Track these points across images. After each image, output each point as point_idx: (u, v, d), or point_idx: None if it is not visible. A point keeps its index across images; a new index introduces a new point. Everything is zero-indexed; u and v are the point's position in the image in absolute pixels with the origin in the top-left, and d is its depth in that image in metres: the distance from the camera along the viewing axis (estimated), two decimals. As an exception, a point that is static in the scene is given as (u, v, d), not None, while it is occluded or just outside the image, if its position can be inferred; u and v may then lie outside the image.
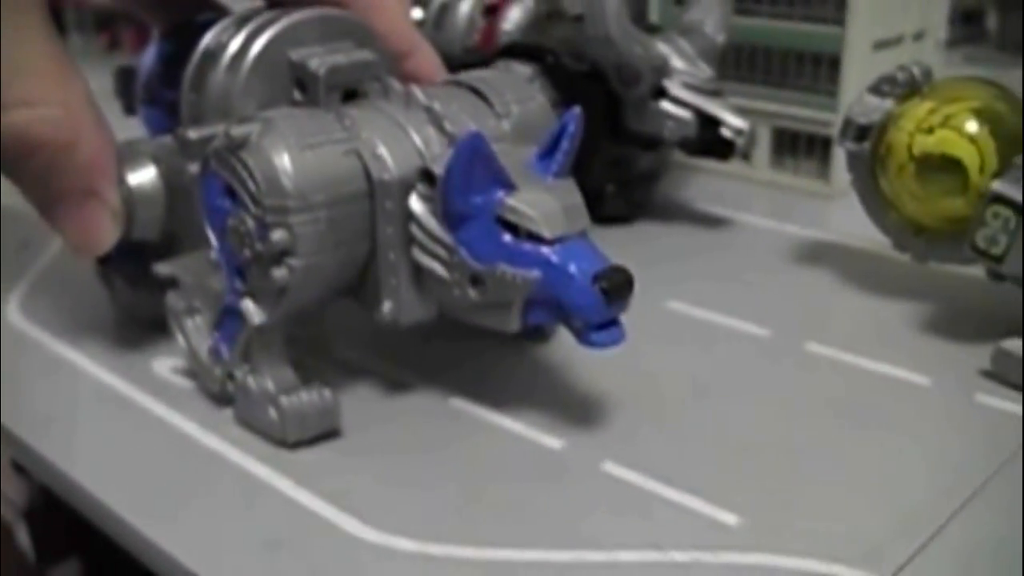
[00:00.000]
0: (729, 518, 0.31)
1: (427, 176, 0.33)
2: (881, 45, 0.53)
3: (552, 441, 0.35)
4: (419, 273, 0.34)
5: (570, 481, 0.33)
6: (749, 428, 0.35)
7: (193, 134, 0.36)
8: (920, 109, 0.40)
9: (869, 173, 0.42)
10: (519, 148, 0.34)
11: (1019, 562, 0.28)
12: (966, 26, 0.85)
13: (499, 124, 0.36)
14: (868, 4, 0.52)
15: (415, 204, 0.33)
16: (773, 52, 0.54)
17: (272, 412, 0.34)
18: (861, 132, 0.42)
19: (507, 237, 0.32)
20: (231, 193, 0.33)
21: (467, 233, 0.33)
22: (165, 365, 0.40)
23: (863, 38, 0.52)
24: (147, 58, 0.43)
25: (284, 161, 0.32)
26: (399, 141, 0.34)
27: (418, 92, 0.35)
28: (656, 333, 0.40)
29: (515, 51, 0.51)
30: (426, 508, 0.32)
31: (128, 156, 0.37)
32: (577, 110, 0.34)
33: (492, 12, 0.54)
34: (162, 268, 0.38)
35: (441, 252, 0.33)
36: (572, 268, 0.32)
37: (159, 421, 0.37)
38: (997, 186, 0.36)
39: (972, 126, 0.38)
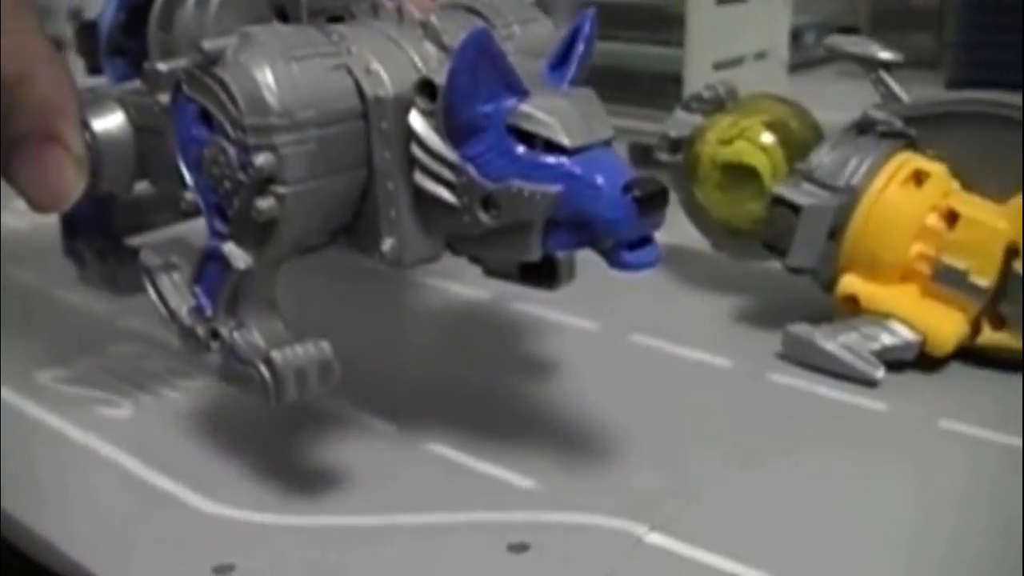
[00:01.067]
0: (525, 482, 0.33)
1: (427, 88, 0.29)
2: (721, 65, 0.57)
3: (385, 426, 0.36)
4: (423, 202, 0.30)
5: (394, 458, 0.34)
6: (560, 407, 0.37)
7: (163, 67, 0.32)
8: (722, 123, 0.44)
9: (685, 182, 0.45)
10: (528, 59, 0.31)
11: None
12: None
13: (502, 45, 0.32)
14: (705, 28, 0.56)
15: (415, 121, 0.30)
16: (627, 72, 0.57)
17: (263, 369, 0.30)
18: (675, 145, 0.45)
19: (521, 149, 0.29)
20: (206, 119, 0.30)
21: (475, 148, 0.29)
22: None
23: (702, 59, 0.56)
24: (108, 9, 0.40)
25: (266, 75, 0.28)
26: (394, 56, 0.30)
27: (412, 7, 0.32)
28: (493, 324, 0.43)
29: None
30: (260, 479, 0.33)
31: (91, 101, 0.34)
32: (592, 10, 0.30)
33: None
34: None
35: (447, 173, 0.29)
36: (599, 179, 0.28)
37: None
38: (777, 189, 0.40)
39: (765, 137, 0.42)
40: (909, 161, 0.40)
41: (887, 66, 0.42)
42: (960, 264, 0.38)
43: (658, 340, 0.42)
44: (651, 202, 0.28)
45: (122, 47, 0.38)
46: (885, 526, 0.31)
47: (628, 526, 0.30)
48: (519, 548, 0.30)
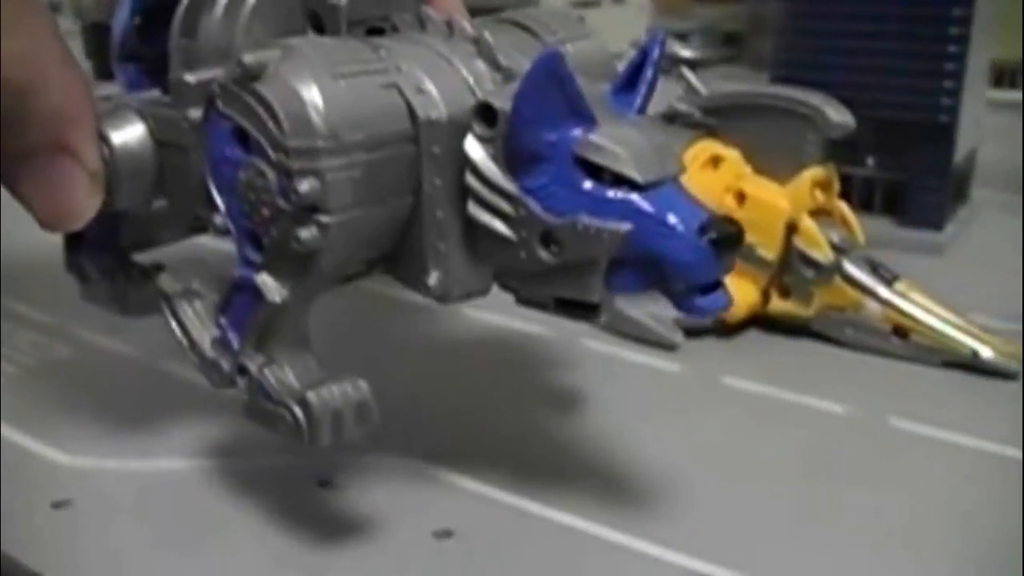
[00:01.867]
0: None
1: (487, 112, 0.27)
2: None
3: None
4: (472, 234, 0.28)
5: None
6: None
7: (191, 77, 0.29)
8: None
9: None
10: (591, 82, 0.28)
11: None
12: (725, 47, 0.93)
13: None
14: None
15: (472, 148, 0.27)
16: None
17: (297, 411, 0.28)
18: None
19: (588, 183, 0.26)
20: (243, 138, 0.27)
21: (536, 180, 0.27)
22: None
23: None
24: (122, 11, 0.37)
25: (313, 92, 0.26)
26: (446, 75, 0.28)
27: (464, 22, 0.30)
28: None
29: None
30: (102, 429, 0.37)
31: (109, 112, 0.31)
32: (662, 33, 0.28)
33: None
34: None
35: (504, 205, 0.27)
36: (672, 218, 0.26)
37: None
38: None
39: None
40: (708, 147, 0.43)
41: (690, 64, 0.48)
42: (748, 239, 0.38)
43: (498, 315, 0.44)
44: (729, 245, 0.26)
45: (136, 52, 0.36)
46: (646, 463, 0.34)
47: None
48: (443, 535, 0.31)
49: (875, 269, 0.42)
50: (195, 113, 0.29)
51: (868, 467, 0.35)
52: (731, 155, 0.43)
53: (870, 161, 0.54)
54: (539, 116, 0.26)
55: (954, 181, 0.55)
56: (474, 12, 0.36)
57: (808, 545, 0.31)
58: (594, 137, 0.26)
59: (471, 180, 0.27)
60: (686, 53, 0.43)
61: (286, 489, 0.33)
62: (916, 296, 0.42)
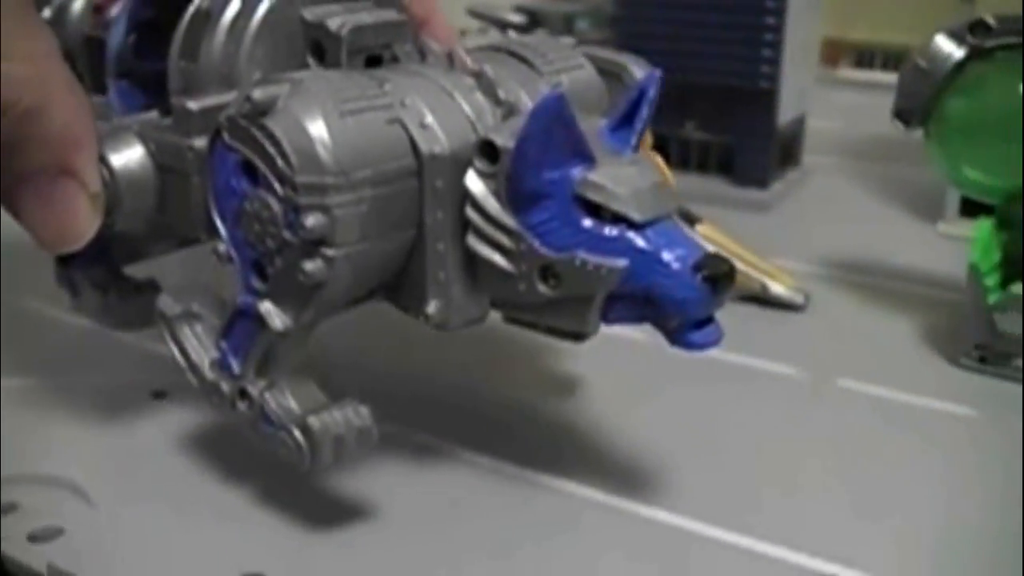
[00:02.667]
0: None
1: (489, 149, 0.28)
2: None
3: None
4: (472, 265, 0.29)
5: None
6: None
7: (194, 105, 0.30)
8: None
9: None
10: (586, 118, 0.29)
11: None
12: (610, 28, 0.91)
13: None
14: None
15: (473, 183, 0.28)
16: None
17: (298, 435, 0.28)
18: None
19: (587, 220, 0.27)
20: (249, 171, 0.28)
21: (536, 216, 0.28)
22: None
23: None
24: (118, 27, 0.37)
25: (321, 129, 0.26)
26: (448, 109, 0.29)
27: (463, 54, 0.30)
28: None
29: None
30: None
31: (109, 134, 0.31)
32: (658, 72, 0.29)
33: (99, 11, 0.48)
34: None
35: (504, 240, 0.28)
36: (668, 255, 0.27)
37: None
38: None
39: None
40: None
41: (518, 28, 0.49)
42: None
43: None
44: (722, 282, 0.27)
45: (130, 68, 0.36)
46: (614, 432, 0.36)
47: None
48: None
49: (680, 213, 0.44)
50: (200, 142, 0.29)
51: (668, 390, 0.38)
52: None
53: (690, 125, 0.59)
54: (541, 155, 0.27)
55: (779, 144, 0.59)
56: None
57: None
58: (594, 176, 0.27)
59: (472, 214, 0.28)
60: (513, 18, 0.45)
61: (123, 401, 0.37)
62: (715, 236, 0.44)
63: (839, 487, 0.33)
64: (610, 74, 0.34)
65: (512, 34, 0.48)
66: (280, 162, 0.27)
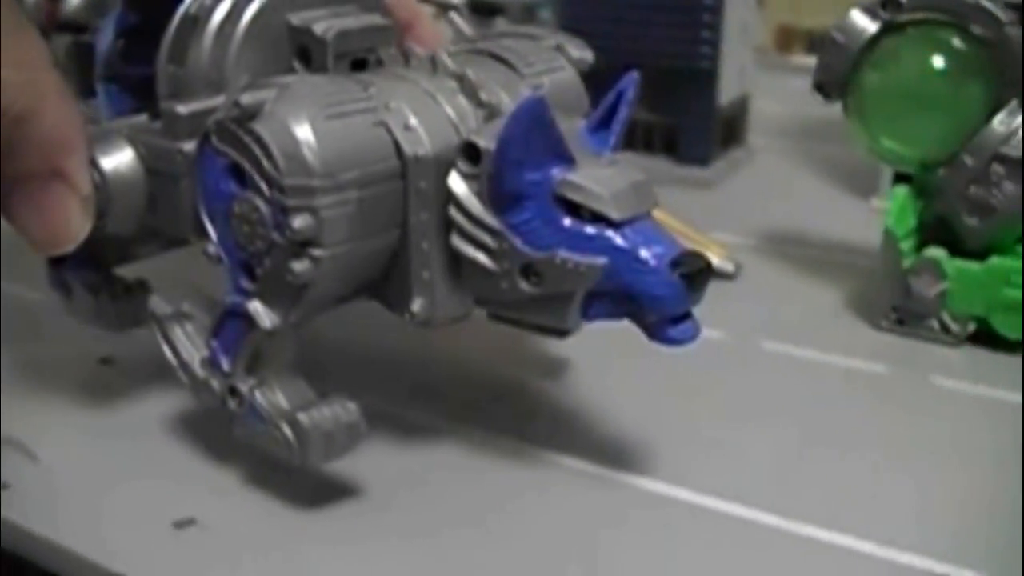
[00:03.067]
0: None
1: (471, 151, 0.28)
2: None
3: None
4: (455, 264, 0.30)
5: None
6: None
7: (183, 108, 0.30)
8: None
9: None
10: (566, 118, 0.30)
11: None
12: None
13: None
14: None
15: (456, 184, 0.29)
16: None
17: (288, 431, 0.29)
18: None
19: (567, 220, 0.28)
20: (238, 174, 0.28)
21: (518, 216, 0.28)
22: None
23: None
24: (106, 31, 0.38)
25: (307, 133, 0.27)
26: (431, 112, 0.29)
27: (446, 58, 0.31)
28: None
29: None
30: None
31: (99, 138, 0.32)
32: (636, 74, 0.30)
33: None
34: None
35: (487, 239, 0.29)
36: (646, 253, 0.28)
37: None
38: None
39: None
40: None
41: (456, 9, 0.49)
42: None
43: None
44: (698, 280, 0.28)
45: (118, 72, 0.37)
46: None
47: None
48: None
49: None
50: (189, 146, 0.30)
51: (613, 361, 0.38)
52: None
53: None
54: (522, 157, 0.28)
55: (722, 123, 0.60)
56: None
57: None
58: (573, 177, 0.28)
59: (455, 214, 0.29)
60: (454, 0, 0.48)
61: (71, 368, 0.39)
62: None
63: (765, 441, 0.35)
64: None
65: (455, 17, 0.49)
66: (267, 165, 0.27)
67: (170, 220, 0.32)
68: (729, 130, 0.62)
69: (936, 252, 0.41)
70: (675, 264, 0.27)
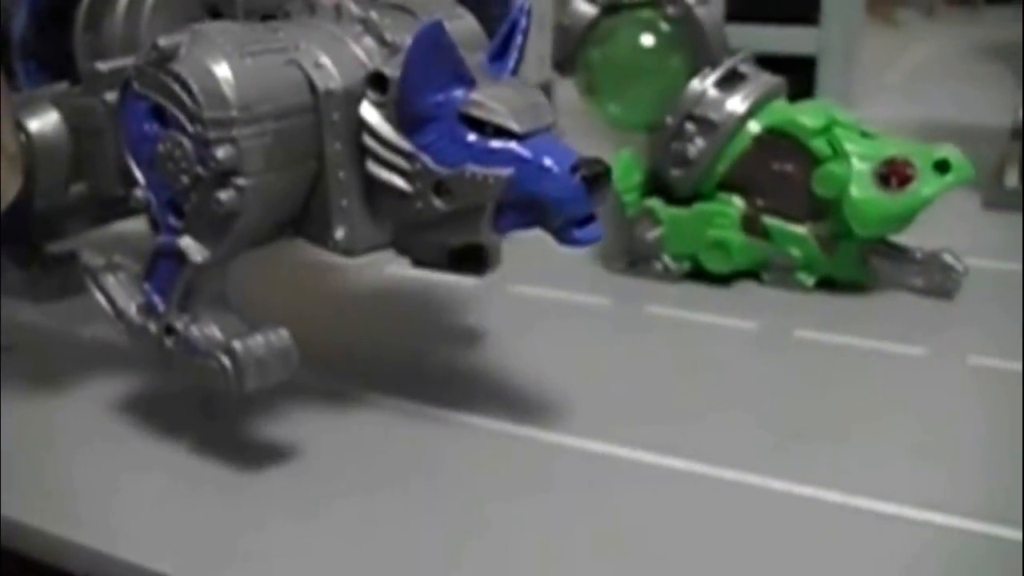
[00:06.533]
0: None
1: (379, 80, 0.30)
2: None
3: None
4: (372, 191, 0.32)
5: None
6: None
7: (103, 66, 0.32)
8: None
9: None
10: (467, 52, 0.32)
11: None
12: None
13: None
14: None
15: (367, 112, 0.31)
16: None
17: (225, 360, 0.31)
18: None
19: (473, 136, 0.30)
20: (159, 114, 0.30)
21: (427, 137, 0.30)
22: None
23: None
24: (20, 14, 0.39)
25: (224, 69, 0.29)
26: (340, 51, 0.31)
27: (351, 5, 0.33)
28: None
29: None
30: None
31: (24, 102, 0.33)
32: (527, 3, 0.32)
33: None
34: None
35: (400, 162, 0.31)
36: (548, 161, 0.30)
37: None
38: None
39: None
40: None
41: None
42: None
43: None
44: (598, 181, 0.30)
45: (34, 50, 0.38)
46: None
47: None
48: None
49: None
50: (111, 96, 0.31)
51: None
52: None
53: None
54: (426, 80, 0.30)
55: None
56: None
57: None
58: (476, 96, 0.30)
59: (369, 141, 0.31)
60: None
61: None
62: None
63: (525, 369, 0.39)
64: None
65: None
66: (188, 101, 0.29)
67: (98, 176, 0.33)
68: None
69: (653, 201, 0.47)
70: (575, 168, 0.30)
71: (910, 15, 1.15)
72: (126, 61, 0.32)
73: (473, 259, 0.36)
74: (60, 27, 0.37)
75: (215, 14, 0.34)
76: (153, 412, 0.36)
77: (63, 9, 0.37)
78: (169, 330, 0.32)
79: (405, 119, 0.30)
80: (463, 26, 0.35)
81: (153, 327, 0.32)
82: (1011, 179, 0.55)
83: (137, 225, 0.37)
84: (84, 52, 0.34)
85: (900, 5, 1.15)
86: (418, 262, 0.38)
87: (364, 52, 0.32)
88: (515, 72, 0.32)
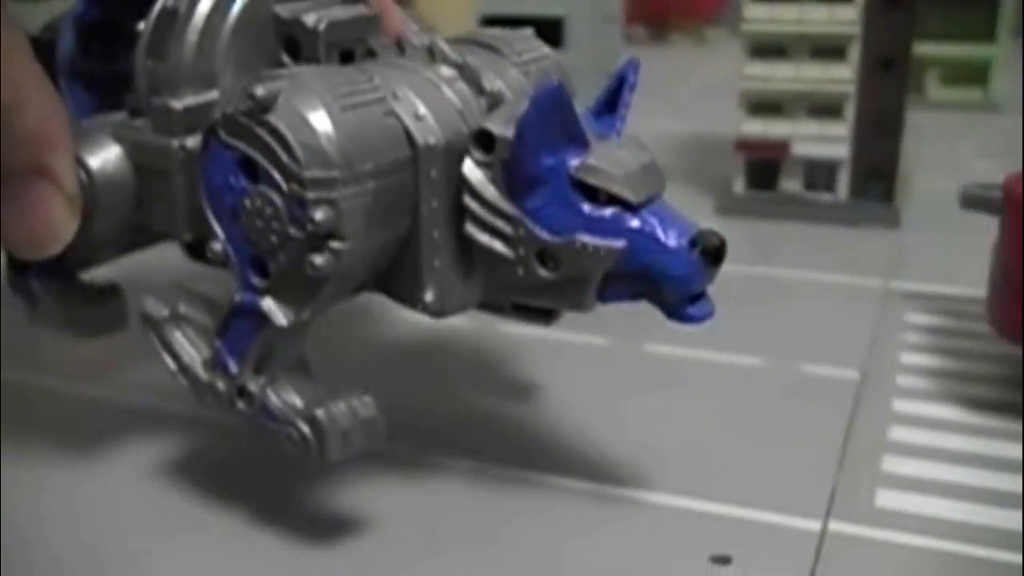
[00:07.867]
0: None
1: (485, 138, 0.28)
2: None
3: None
4: (465, 252, 0.30)
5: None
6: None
7: (177, 104, 0.30)
8: None
9: None
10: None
11: None
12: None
13: (524, 83, 0.32)
14: None
15: (471, 172, 0.29)
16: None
17: (305, 428, 0.29)
18: None
19: (585, 203, 0.28)
20: (248, 168, 0.28)
21: (534, 201, 0.28)
22: None
23: None
24: (67, 29, 0.36)
25: (325, 123, 0.27)
26: (437, 100, 0.29)
27: (445, 46, 0.31)
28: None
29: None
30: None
31: (84, 135, 0.31)
32: (637, 58, 0.30)
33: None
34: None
35: (503, 226, 0.29)
36: (665, 234, 0.28)
37: None
38: None
39: None
40: None
41: None
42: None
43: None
44: (716, 257, 0.28)
45: (82, 70, 0.35)
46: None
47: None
48: None
49: None
50: (191, 142, 0.29)
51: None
52: None
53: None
54: (540, 142, 0.28)
55: None
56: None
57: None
58: (591, 161, 0.28)
59: (469, 202, 0.29)
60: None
61: None
62: None
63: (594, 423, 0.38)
64: None
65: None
66: (285, 157, 0.27)
67: (161, 219, 0.31)
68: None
69: None
70: (694, 243, 0.28)
71: (719, 33, 1.20)
72: (202, 98, 0.30)
73: (541, 308, 0.34)
74: (107, 46, 0.35)
75: (292, 47, 0.31)
76: (202, 478, 0.34)
77: (111, 26, 0.35)
78: (242, 392, 0.30)
79: (513, 181, 0.28)
80: (548, 67, 0.33)
81: (223, 386, 0.30)
82: (738, 186, 0.62)
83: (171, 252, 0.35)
84: (147, 81, 0.31)
85: (709, 24, 1.23)
86: (481, 306, 0.36)
87: (461, 101, 0.30)
88: (621, 132, 0.30)
